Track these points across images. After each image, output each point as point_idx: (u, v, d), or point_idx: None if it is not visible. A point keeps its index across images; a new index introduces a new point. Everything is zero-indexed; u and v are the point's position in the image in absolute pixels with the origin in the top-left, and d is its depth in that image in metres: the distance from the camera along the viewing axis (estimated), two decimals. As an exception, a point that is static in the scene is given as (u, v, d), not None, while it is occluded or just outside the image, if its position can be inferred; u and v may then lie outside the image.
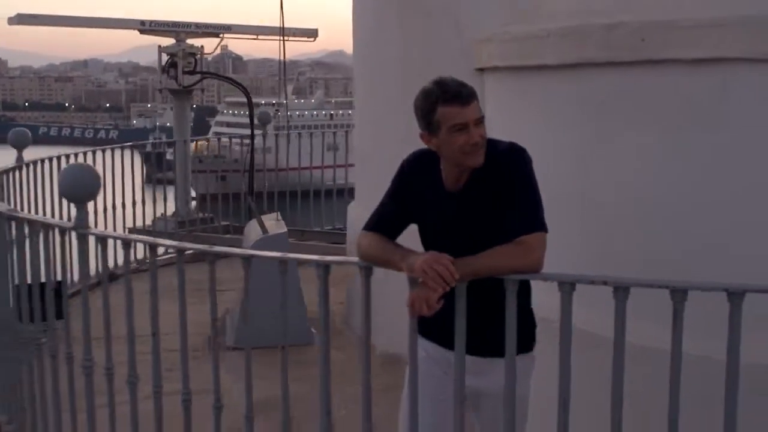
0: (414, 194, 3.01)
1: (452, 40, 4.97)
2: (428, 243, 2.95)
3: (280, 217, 7.07)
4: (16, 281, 4.51)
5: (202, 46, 10.41)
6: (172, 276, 3.54)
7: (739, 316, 2.48)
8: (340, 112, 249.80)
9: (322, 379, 3.10)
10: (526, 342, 2.95)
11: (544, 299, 2.97)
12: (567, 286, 2.65)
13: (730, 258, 3.41)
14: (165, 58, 9.62)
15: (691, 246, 3.50)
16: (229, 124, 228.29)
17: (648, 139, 3.65)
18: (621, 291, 2.60)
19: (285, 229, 6.49)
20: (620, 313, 2.61)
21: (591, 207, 3.81)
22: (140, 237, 4.66)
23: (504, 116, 4.13)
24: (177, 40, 9.99)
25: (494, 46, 4.47)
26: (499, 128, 3.53)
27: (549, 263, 2.76)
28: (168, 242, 4.32)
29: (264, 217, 6.82)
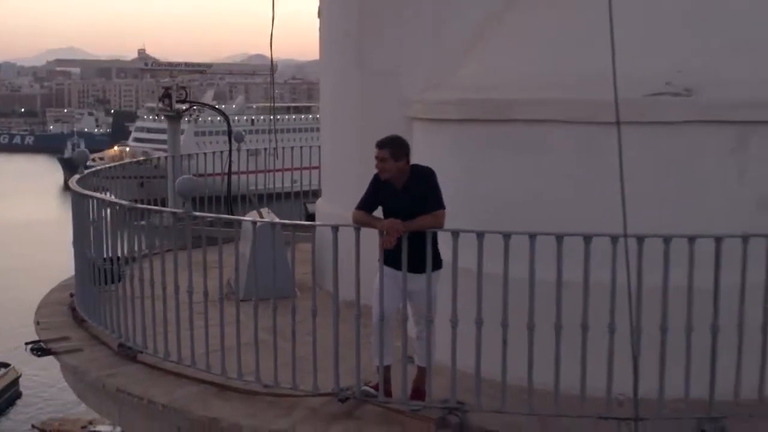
0: (381, 191, 5.91)
1: (396, 96, 7.88)
2: (387, 215, 5.84)
3: (270, 211, 9.90)
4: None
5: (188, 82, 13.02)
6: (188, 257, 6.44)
7: (561, 253, 5.39)
8: (261, 117, 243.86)
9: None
10: (437, 265, 5.85)
11: (445, 250, 5.86)
12: (456, 234, 5.57)
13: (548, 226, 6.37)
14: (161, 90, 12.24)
15: (527, 216, 6.42)
16: (149, 130, 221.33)
17: (502, 162, 6.61)
18: (486, 236, 5.52)
19: (276, 219, 9.28)
20: (480, 250, 5.52)
21: (474, 200, 6.72)
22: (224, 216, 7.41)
23: (425, 148, 7.05)
24: (170, 76, 12.64)
25: (418, 105, 7.41)
26: (422, 155, 6.47)
27: (448, 225, 5.70)
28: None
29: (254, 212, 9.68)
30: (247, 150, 13.23)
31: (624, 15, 5.77)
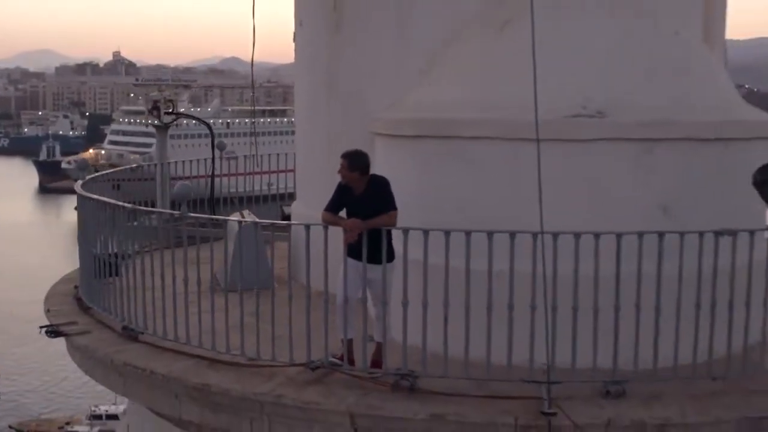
0: (344, 195, 7.18)
1: (360, 114, 9.13)
2: (349, 215, 7.11)
3: (250, 212, 11.13)
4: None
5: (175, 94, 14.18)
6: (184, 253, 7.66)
7: (492, 247, 6.66)
8: (237, 120, 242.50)
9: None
10: (391, 257, 7.11)
11: (398, 245, 7.11)
12: (406, 231, 6.83)
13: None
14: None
15: (466, 216, 7.68)
16: (125, 133, 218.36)
17: (447, 171, 7.88)
18: (430, 233, 6.77)
19: (256, 219, 10.52)
20: (426, 245, 6.78)
21: (424, 203, 7.97)
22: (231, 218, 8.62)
23: (384, 159, 8.30)
24: (159, 90, 13.87)
25: (379, 123, 8.66)
26: (382, 165, 7.74)
27: (400, 224, 6.96)
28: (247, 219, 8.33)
29: (237, 213, 10.92)
30: (224, 152, 14.04)
31: (548, 50, 7.10)
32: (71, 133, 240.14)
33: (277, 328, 7.37)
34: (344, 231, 7.03)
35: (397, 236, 7.04)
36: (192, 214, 8.36)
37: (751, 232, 6.96)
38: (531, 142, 6.83)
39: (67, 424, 58.75)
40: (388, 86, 9.00)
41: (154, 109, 13.27)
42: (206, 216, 9.13)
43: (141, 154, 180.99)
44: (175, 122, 14.00)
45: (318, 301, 7.23)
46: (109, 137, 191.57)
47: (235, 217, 10.59)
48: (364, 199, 7.17)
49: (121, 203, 8.68)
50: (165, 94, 13.64)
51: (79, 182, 10.15)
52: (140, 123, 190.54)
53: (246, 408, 7.13)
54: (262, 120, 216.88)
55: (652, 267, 6.79)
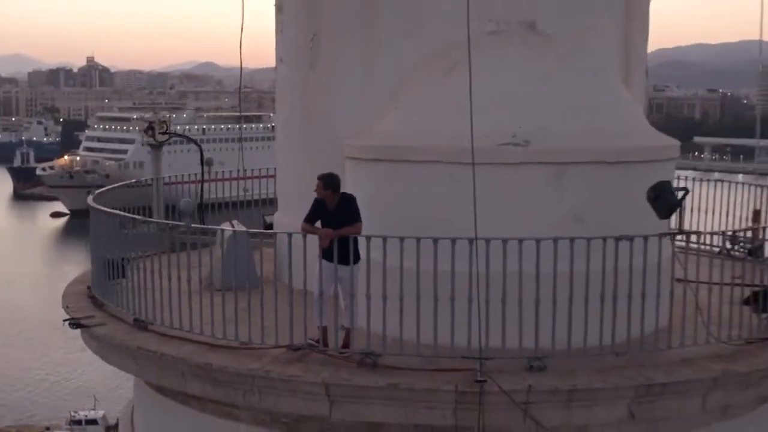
0: (319, 209, 8.92)
1: (332, 139, 10.84)
2: (324, 225, 8.85)
3: (238, 222, 12.82)
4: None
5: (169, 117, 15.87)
6: (188, 257, 9.33)
7: (437, 250, 8.41)
8: (212, 126, 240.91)
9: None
10: (357, 259, 8.84)
11: (362, 249, 8.84)
12: (371, 238, 8.56)
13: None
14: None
15: (417, 226, 9.39)
16: (100, 139, 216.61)
17: (401, 189, 9.63)
18: (388, 240, 8.50)
19: (243, 228, 12.19)
20: (384, 249, 8.50)
21: (383, 215, 9.69)
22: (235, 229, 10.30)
23: (351, 178, 10.03)
24: (153, 112, 15.46)
25: (347, 148, 10.40)
26: (350, 183, 9.48)
27: (364, 232, 8.70)
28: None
29: (227, 222, 12.63)
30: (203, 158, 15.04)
31: (485, 90, 8.88)
32: (45, 139, 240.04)
33: (264, 319, 9.06)
34: (319, 238, 8.75)
35: (361, 242, 8.77)
36: (194, 225, 10.04)
37: (645, 238, 8.74)
38: (468, 165, 8.61)
39: (47, 429, 59.76)
40: (355, 116, 10.73)
41: (149, 129, 14.89)
42: (208, 227, 10.82)
43: (116, 160, 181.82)
44: (168, 141, 15.57)
45: (298, 296, 8.95)
46: (84, 143, 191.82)
47: (226, 226, 12.26)
48: (335, 213, 8.90)
49: (131, 215, 10.35)
50: (159, 116, 15.25)
51: (91, 196, 11.76)
52: (116, 129, 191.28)
53: (240, 382, 8.82)
54: (237, 126, 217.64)
55: (566, 266, 8.56)
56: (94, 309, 11.02)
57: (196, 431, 9.93)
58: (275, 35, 12.15)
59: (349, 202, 8.97)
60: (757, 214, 13.96)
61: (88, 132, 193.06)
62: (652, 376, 8.66)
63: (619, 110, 10.19)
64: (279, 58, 12.07)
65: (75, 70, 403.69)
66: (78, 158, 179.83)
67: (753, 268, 10.69)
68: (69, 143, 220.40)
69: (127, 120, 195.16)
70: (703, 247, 13.16)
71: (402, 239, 8.53)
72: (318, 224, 9.04)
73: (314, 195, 9.22)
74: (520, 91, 9.73)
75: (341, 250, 8.72)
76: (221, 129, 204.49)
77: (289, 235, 8.88)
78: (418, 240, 8.50)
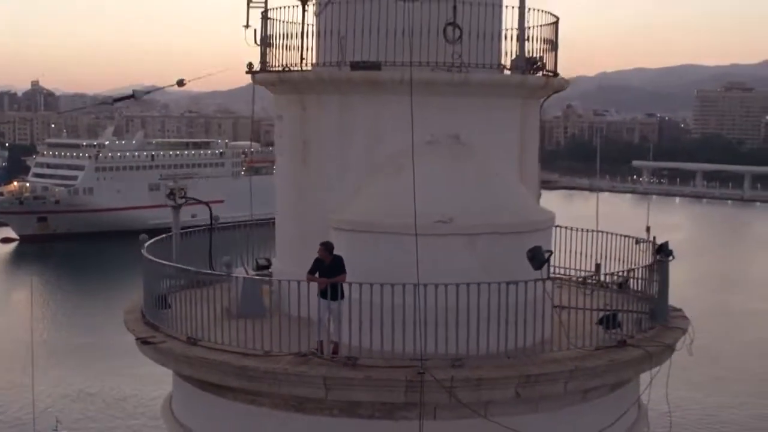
0: (319, 265, 13.89)
1: (319, 213, 15.71)
2: (321, 275, 13.80)
3: (249, 269, 17.61)
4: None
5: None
6: (221, 293, 14.29)
7: (394, 294, 13.34)
8: (161, 153, 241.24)
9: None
10: (342, 296, 13.78)
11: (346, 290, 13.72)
12: (351, 284, 13.48)
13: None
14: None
15: (375, 276, 14.29)
16: (49, 165, 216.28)
17: (368, 250, 14.58)
18: (363, 285, 13.42)
19: (253, 274, 16.93)
20: (360, 291, 13.44)
21: (357, 268, 14.57)
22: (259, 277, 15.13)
23: (337, 242, 14.93)
24: (174, 181, 20.20)
25: (332, 221, 15.30)
26: (336, 245, 14.42)
27: (348, 280, 13.68)
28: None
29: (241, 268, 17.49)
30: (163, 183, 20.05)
31: (424, 183, 13.86)
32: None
33: (280, 336, 13.88)
34: (318, 284, 13.64)
35: (345, 286, 13.67)
36: (227, 274, 14.90)
37: (525, 282, 13.74)
38: (412, 236, 13.57)
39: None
40: (334, 198, 15.64)
41: (171, 194, 19.57)
42: (232, 275, 15.70)
43: (66, 186, 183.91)
44: (185, 203, 20.18)
45: (300, 321, 13.81)
46: (34, 170, 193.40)
47: (241, 273, 17.04)
48: (329, 267, 13.81)
49: (183, 266, 15.13)
50: (179, 184, 19.92)
51: (144, 247, 16.45)
52: (65, 156, 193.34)
53: (267, 377, 13.62)
54: (186, 152, 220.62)
55: (475, 301, 13.53)
56: (151, 330, 15.73)
57: (228, 414, 14.68)
58: (275, 138, 17.08)
59: (339, 260, 13.87)
60: (648, 230, 18.74)
61: (37, 158, 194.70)
62: (530, 370, 13.68)
63: (514, 198, 15.30)
64: (279, 153, 16.98)
65: (19, 94, 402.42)
66: (27, 184, 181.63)
67: (614, 297, 15.80)
68: (16, 168, 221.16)
69: (77, 146, 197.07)
70: (589, 280, 18.22)
71: (371, 284, 13.43)
72: (317, 274, 13.94)
73: (306, 249, 14.11)
74: (447, 185, 14.75)
75: (332, 292, 13.63)
76: (171, 155, 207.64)
77: (297, 282, 13.77)
78: (381, 285, 13.40)
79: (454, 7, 15.06)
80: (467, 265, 14.30)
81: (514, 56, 16.39)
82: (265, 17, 16.46)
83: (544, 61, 16.88)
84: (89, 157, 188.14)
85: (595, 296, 16.38)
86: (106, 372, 78.10)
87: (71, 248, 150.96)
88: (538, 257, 13.75)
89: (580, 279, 17.76)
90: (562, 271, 18.14)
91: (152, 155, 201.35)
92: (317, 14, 16.07)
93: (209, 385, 14.67)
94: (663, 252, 16.08)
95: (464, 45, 15.28)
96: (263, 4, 16.38)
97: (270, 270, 17.80)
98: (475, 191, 14.82)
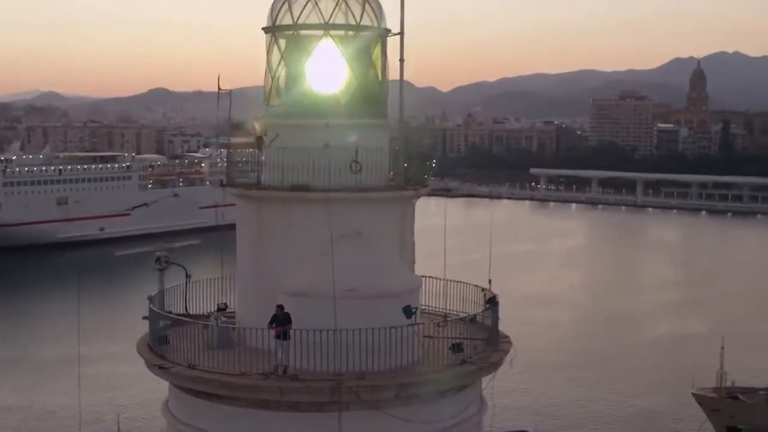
0: (275, 319, 22.59)
1: (272, 282, 24.22)
2: (277, 325, 22.46)
3: (221, 315, 25.98)
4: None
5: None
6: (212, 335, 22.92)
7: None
8: (69, 167, 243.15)
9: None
10: (288, 338, 22.44)
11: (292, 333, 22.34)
12: (295, 330, 22.15)
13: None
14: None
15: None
16: None
17: (305, 309, 23.28)
18: (302, 330, 22.05)
19: (226, 321, 25.31)
20: (301, 335, 22.07)
21: (300, 318, 23.15)
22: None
23: (284, 302, 23.54)
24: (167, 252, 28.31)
25: (281, 287, 23.88)
26: (286, 305, 23.09)
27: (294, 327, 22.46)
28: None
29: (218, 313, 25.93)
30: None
31: (340, 264, 22.70)
32: None
33: (251, 362, 22.34)
34: (275, 332, 22.21)
35: (291, 331, 22.25)
36: (223, 323, 23.38)
37: (400, 327, 22.52)
38: (331, 299, 22.21)
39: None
40: (285, 271, 24.17)
41: (158, 260, 27.70)
42: (225, 326, 24.15)
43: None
44: (169, 266, 28.31)
45: (266, 351, 22.32)
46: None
47: (217, 319, 25.38)
48: (282, 320, 22.36)
49: (188, 319, 23.52)
50: (163, 253, 28.01)
51: (149, 299, 24.71)
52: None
53: (243, 388, 22.07)
54: (93, 166, 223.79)
55: (375, 338, 22.23)
56: (159, 359, 23.96)
57: (216, 413, 22.99)
58: (237, 227, 25.60)
59: (287, 315, 22.43)
60: (489, 282, 27.85)
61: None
62: (405, 379, 22.50)
63: (396, 272, 24.11)
64: (240, 238, 25.50)
65: None
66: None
67: (463, 328, 24.71)
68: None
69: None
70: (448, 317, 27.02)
71: (307, 330, 22.02)
72: (274, 324, 22.47)
73: (262, 304, 22.64)
74: (354, 264, 23.46)
75: (284, 335, 22.19)
76: (78, 169, 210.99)
77: (263, 328, 22.29)
78: (314, 330, 22.00)
79: (356, 151, 23.83)
80: (367, 316, 23.01)
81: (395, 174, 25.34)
82: (230, 159, 25.28)
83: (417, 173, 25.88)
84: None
85: (450, 328, 25.37)
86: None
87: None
88: (407, 312, 22.67)
89: (442, 317, 26.77)
90: (432, 308, 27.09)
91: (59, 169, 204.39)
92: (267, 150, 24.74)
93: (202, 393, 23.05)
94: (491, 301, 25.17)
95: (363, 173, 24.07)
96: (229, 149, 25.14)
97: (227, 311, 26.32)
98: (370, 269, 23.60)
